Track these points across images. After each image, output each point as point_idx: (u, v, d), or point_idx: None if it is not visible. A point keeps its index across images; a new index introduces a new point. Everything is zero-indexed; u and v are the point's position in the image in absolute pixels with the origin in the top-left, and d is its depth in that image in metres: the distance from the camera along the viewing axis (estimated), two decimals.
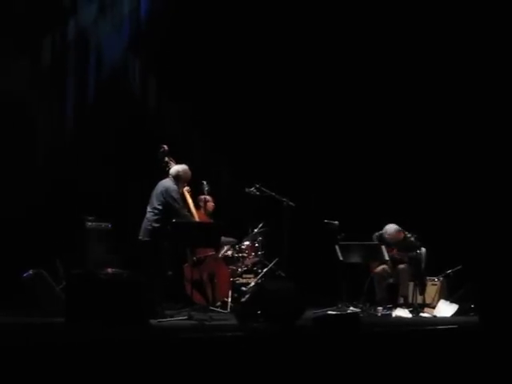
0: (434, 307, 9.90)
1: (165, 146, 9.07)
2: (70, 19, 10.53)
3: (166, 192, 8.60)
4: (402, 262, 9.97)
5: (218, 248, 9.48)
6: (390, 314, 9.57)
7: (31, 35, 10.06)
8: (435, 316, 9.61)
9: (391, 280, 10.04)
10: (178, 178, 8.79)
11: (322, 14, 11.54)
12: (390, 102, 11.58)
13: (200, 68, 11.05)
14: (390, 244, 9.95)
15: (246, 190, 10.02)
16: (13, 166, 9.71)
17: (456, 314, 9.59)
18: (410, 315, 9.52)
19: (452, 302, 9.82)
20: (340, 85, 11.62)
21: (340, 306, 9.66)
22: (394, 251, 10.00)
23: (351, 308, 9.70)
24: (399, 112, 11.50)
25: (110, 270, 7.81)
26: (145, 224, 8.64)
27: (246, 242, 10.17)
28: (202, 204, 9.76)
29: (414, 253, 9.84)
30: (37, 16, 10.05)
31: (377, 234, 10.11)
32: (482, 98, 11.06)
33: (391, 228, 9.99)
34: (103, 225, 9.58)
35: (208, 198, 9.86)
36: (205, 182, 9.81)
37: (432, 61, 11.40)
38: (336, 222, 10.04)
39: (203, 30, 11.05)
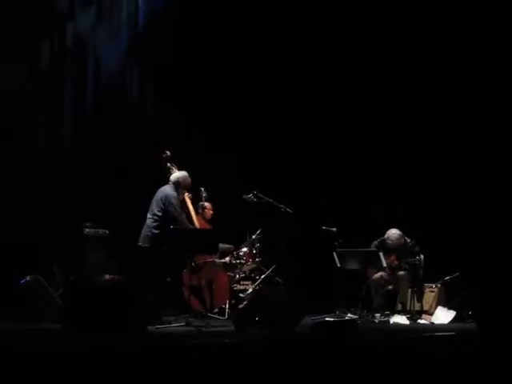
0: (431, 314, 9.91)
1: (167, 152, 9.08)
2: (67, 24, 10.52)
3: (166, 199, 8.62)
4: (401, 269, 9.98)
5: (217, 254, 9.46)
6: (388, 321, 9.57)
7: (29, 40, 10.02)
8: (433, 323, 9.60)
9: (390, 287, 10.05)
10: (177, 185, 8.80)
11: (322, 15, 11.54)
12: (387, 109, 11.58)
13: (199, 74, 11.04)
14: (391, 249, 9.96)
15: (244, 196, 10.02)
16: (10, 172, 9.67)
17: (454, 320, 9.59)
18: (407, 322, 9.51)
19: (450, 308, 9.82)
20: (337, 91, 11.63)
21: (338, 312, 9.66)
22: (393, 258, 9.99)
23: (349, 315, 9.71)
24: (397, 118, 11.49)
25: (107, 276, 7.79)
26: (144, 230, 8.65)
27: (244, 249, 10.16)
28: (200, 210, 9.76)
29: (413, 259, 9.83)
30: (34, 21, 10.02)
31: (376, 242, 10.10)
32: (484, 101, 11.07)
33: (394, 233, 10.00)
34: (101, 231, 9.57)
35: (206, 204, 9.88)
36: (202, 189, 9.83)
37: (431, 60, 11.39)
38: (334, 229, 10.03)
39: (202, 35, 11.04)
